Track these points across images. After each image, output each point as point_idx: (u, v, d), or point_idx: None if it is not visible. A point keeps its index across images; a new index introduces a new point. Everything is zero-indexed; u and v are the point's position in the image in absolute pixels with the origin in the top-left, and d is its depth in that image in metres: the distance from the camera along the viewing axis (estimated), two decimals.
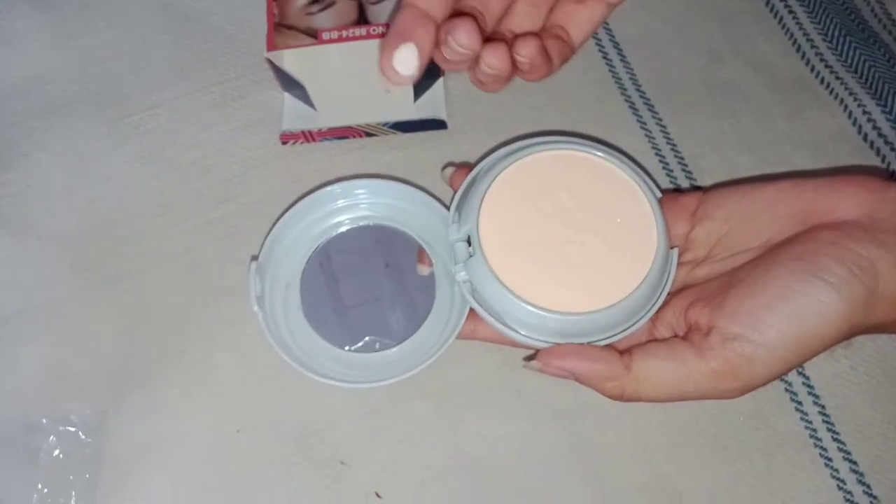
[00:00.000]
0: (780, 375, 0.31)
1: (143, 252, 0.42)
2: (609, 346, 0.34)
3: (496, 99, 0.44)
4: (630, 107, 0.46)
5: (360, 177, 0.41)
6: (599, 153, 0.37)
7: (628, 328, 0.34)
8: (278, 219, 0.39)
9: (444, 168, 0.40)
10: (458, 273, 0.35)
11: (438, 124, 0.44)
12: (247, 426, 0.38)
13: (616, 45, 0.47)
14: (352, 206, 0.41)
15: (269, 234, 0.39)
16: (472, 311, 0.36)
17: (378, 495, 0.37)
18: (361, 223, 0.41)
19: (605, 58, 0.47)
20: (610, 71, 0.47)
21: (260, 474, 0.37)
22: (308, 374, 0.35)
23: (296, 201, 0.40)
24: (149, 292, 0.41)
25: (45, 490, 0.35)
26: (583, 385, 0.33)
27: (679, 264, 0.36)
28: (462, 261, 0.35)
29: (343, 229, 0.41)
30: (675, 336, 0.34)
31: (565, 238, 0.35)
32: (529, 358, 0.34)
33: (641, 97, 0.46)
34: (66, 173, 0.43)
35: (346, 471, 0.38)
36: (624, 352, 0.33)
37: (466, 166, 0.39)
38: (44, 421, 0.36)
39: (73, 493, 0.36)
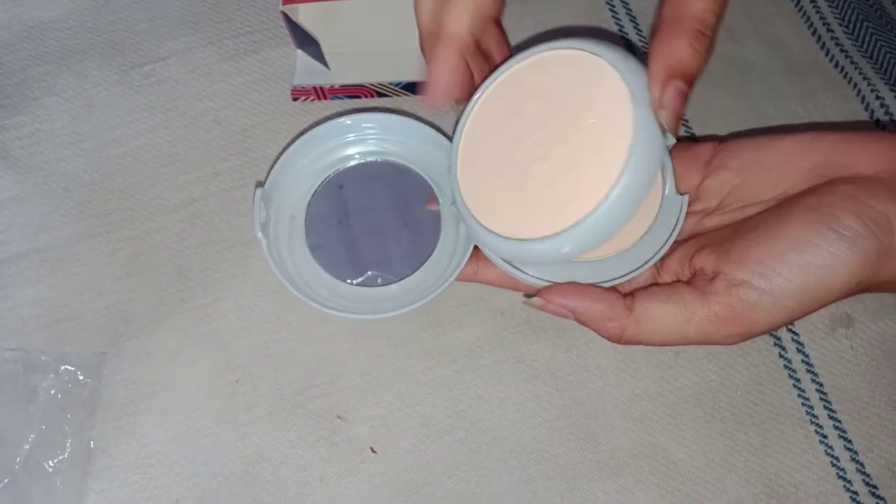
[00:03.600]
0: (782, 325, 0.31)
1: (149, 200, 0.42)
2: (612, 288, 0.33)
3: None
4: None
5: (371, 110, 0.40)
6: (590, 50, 0.31)
7: (633, 272, 0.33)
8: (286, 148, 0.38)
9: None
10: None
11: None
12: (246, 377, 0.38)
13: (632, 19, 0.47)
14: (360, 140, 0.40)
15: (275, 162, 0.38)
16: (475, 252, 0.35)
17: (373, 450, 0.37)
18: (370, 158, 0.40)
19: (621, 30, 0.47)
20: (626, 44, 0.46)
21: (257, 424, 0.38)
22: (308, 303, 0.35)
23: (303, 132, 0.39)
24: (153, 240, 0.41)
25: (43, 427, 0.36)
26: (582, 325, 0.33)
27: (689, 213, 0.35)
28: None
29: (351, 163, 0.40)
30: (679, 281, 0.33)
31: (538, 162, 0.32)
32: (531, 295, 0.33)
33: None
34: (75, 119, 0.43)
35: (343, 425, 0.38)
36: (626, 294, 0.32)
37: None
38: (43, 359, 0.37)
39: (70, 431, 0.36)
